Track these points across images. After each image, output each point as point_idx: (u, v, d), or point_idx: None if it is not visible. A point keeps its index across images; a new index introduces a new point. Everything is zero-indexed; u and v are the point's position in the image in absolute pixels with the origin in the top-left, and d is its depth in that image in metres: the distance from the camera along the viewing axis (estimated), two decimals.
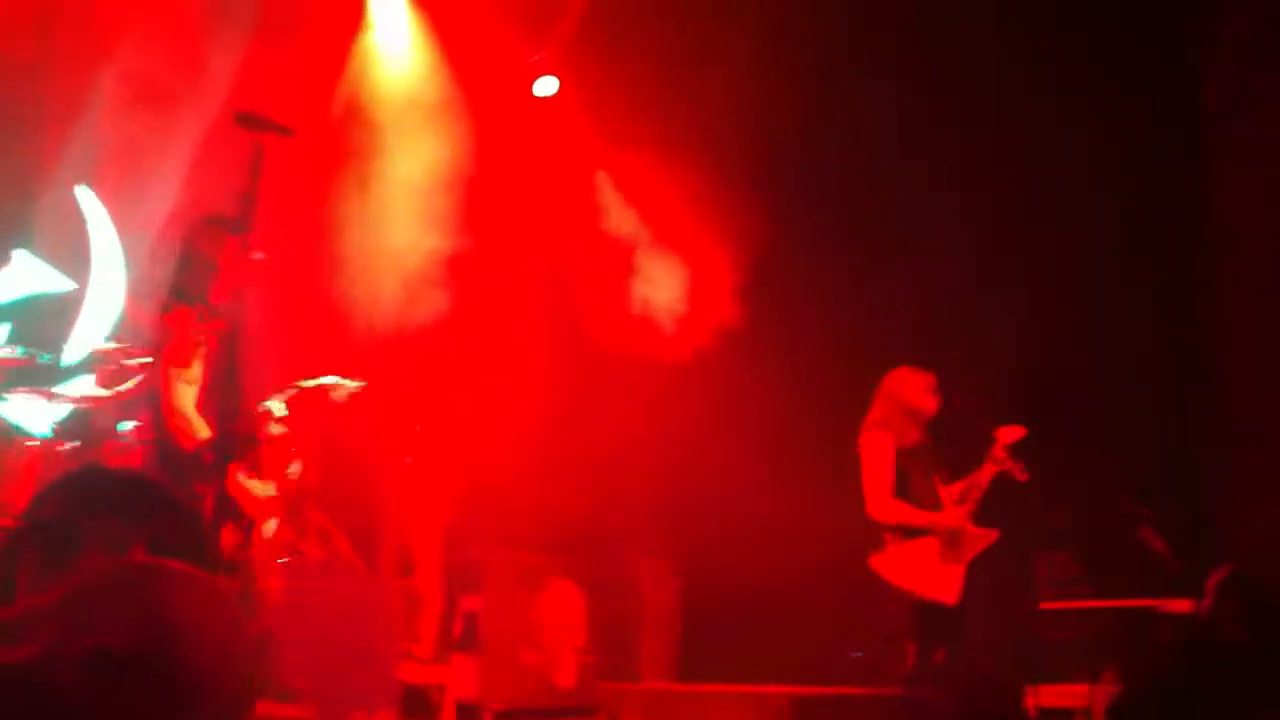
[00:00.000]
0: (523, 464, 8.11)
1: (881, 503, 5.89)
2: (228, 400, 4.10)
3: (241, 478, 4.20)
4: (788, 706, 3.90)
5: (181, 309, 4.27)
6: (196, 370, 4.21)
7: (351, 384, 4.74)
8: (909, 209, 8.92)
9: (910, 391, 6.12)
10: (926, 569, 5.91)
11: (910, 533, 5.92)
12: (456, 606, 7.79)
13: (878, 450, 5.97)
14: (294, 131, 4.23)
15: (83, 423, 6.62)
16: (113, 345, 6.54)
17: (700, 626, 9.00)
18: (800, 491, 8.56)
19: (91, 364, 6.74)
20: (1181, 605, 5.90)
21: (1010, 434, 6.13)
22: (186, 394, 4.20)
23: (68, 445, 6.35)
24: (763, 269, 8.93)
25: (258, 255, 4.27)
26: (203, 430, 4.18)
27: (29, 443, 6.20)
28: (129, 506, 1.49)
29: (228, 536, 4.08)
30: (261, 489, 4.21)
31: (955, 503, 6.10)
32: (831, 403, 6.96)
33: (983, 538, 6.03)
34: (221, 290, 4.30)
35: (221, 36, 8.00)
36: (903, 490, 5.97)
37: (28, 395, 6.40)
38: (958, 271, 8.45)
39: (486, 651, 7.67)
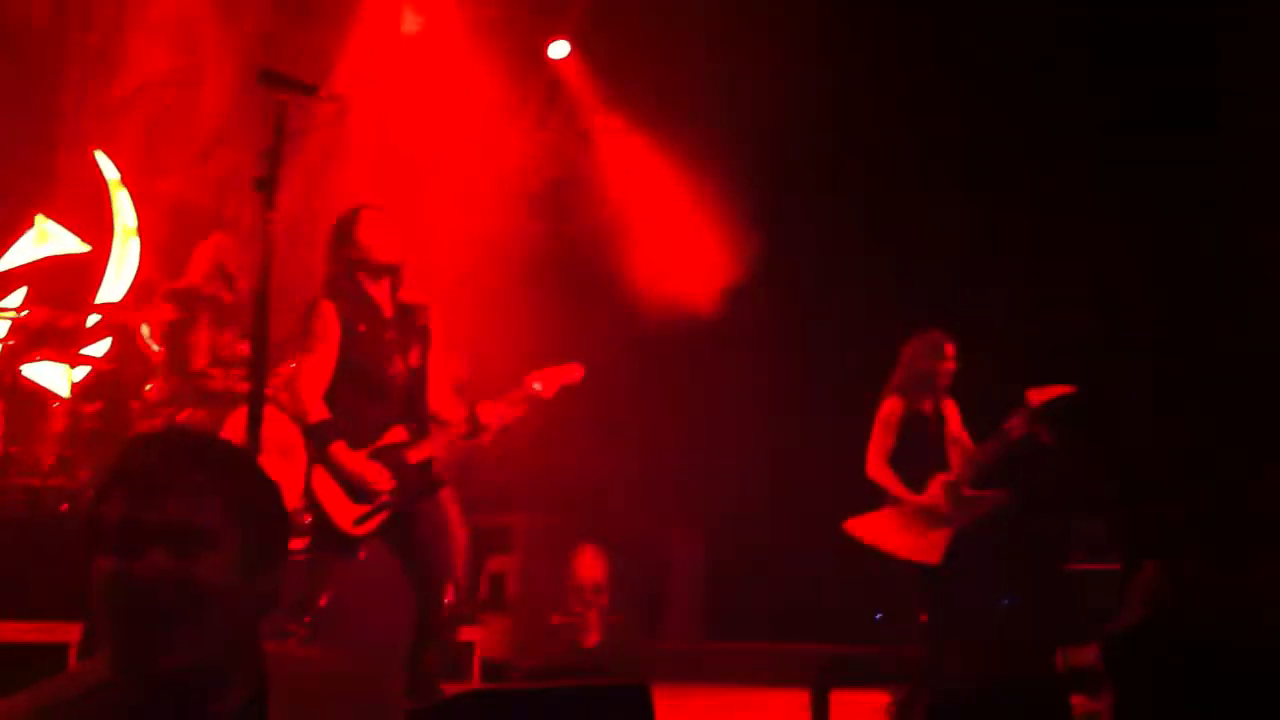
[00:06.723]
0: (552, 431, 8.05)
1: (871, 465, 5.99)
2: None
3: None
4: (820, 665, 3.83)
5: (320, 304, 4.50)
6: (324, 356, 4.45)
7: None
8: (931, 182, 8.80)
9: (924, 357, 6.09)
10: (901, 531, 5.89)
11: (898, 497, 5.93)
12: (483, 568, 7.79)
13: (883, 415, 6.02)
14: (317, 90, 4.29)
15: (104, 384, 6.59)
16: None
17: (725, 588, 8.97)
18: (826, 456, 8.48)
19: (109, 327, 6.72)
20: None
21: (1040, 395, 5.97)
22: (309, 377, 4.45)
23: (91, 407, 6.33)
24: (783, 238, 8.84)
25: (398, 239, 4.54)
26: (316, 413, 4.40)
27: (53, 404, 6.17)
28: (211, 464, 1.61)
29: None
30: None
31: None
32: (859, 368, 6.90)
33: (982, 502, 5.95)
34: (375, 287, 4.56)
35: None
36: (903, 456, 5.97)
37: (50, 358, 6.38)
38: (988, 244, 8.35)
39: (516, 612, 7.67)
